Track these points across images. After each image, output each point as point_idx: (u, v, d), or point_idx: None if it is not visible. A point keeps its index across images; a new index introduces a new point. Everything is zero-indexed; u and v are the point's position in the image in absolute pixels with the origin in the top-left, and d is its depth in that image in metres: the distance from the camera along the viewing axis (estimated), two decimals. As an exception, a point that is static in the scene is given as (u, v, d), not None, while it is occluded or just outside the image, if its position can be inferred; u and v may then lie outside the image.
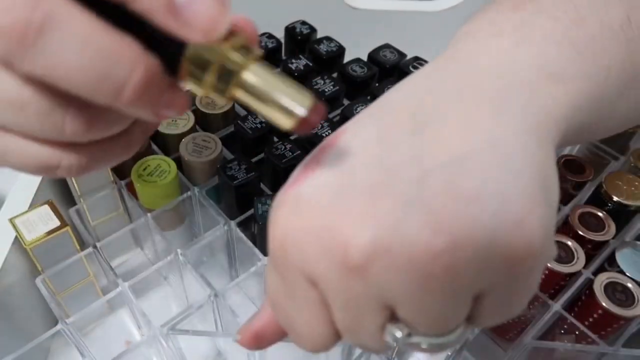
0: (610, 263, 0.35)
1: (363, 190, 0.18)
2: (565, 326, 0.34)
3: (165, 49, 0.18)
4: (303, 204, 0.19)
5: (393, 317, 0.20)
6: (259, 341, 0.24)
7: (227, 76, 0.18)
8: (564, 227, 0.36)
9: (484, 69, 0.21)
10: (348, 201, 0.19)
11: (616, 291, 0.32)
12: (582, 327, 0.32)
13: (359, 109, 0.41)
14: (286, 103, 0.18)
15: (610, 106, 0.23)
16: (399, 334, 0.19)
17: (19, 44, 0.16)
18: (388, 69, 0.47)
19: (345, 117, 0.41)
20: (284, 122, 0.18)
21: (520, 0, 0.23)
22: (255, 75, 0.18)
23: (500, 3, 0.23)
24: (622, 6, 0.23)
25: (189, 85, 0.18)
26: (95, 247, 0.35)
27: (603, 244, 0.35)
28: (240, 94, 0.18)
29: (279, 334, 0.24)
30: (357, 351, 0.33)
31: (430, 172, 0.18)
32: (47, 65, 0.16)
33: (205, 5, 0.17)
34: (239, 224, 0.36)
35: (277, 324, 0.23)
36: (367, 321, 0.20)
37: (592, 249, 0.35)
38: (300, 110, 0.18)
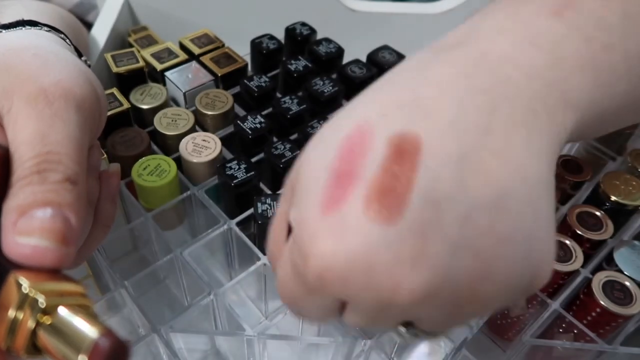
0: (608, 262, 0.35)
1: (414, 227, 0.17)
2: (564, 325, 0.34)
3: None
4: (350, 234, 0.18)
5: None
6: None
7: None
8: (563, 227, 0.37)
9: (518, 85, 0.20)
10: (399, 237, 0.17)
11: (614, 289, 0.32)
12: (580, 326, 0.32)
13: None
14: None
15: (615, 123, 0.24)
16: (407, 335, 0.21)
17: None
18: (387, 70, 0.47)
19: (344, 118, 0.41)
20: None
21: (560, 4, 0.21)
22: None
23: (534, 2, 0.22)
24: None
25: None
26: (95, 246, 0.35)
27: (601, 243, 0.35)
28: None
29: None
30: (357, 350, 0.33)
31: (476, 210, 0.18)
32: None
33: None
34: (239, 224, 0.36)
35: None
36: (381, 326, 0.21)
37: (590, 248, 0.36)
38: None
